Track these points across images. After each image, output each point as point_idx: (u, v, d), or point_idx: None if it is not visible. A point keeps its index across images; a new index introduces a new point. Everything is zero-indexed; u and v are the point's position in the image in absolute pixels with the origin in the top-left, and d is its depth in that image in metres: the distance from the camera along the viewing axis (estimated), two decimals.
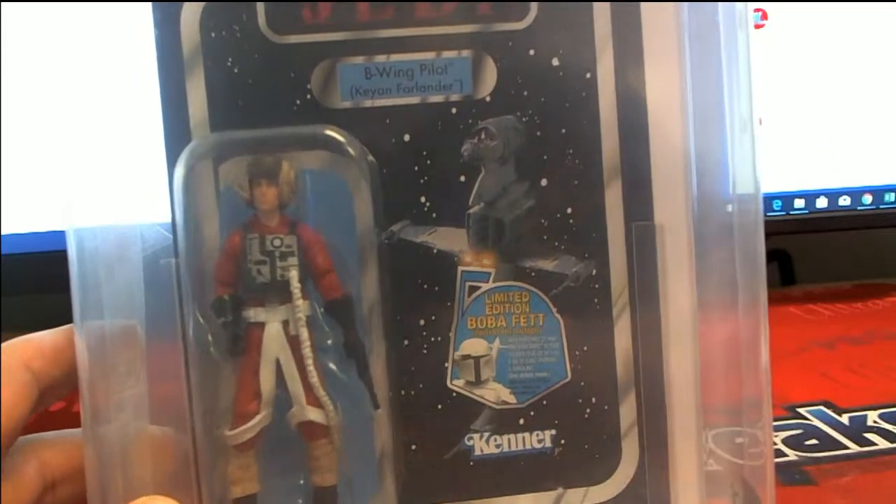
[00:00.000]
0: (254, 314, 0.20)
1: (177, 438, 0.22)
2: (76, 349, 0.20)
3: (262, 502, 0.21)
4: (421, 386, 0.24)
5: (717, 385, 0.25)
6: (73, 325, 0.20)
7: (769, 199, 0.47)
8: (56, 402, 0.22)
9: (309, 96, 0.23)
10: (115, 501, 0.20)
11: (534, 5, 0.23)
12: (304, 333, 0.20)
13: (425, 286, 0.24)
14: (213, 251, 0.21)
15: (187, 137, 0.22)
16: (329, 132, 0.23)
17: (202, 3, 0.22)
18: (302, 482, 0.21)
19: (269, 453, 0.21)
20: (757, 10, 0.43)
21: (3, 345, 0.20)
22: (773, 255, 0.56)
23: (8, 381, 0.19)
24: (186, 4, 0.22)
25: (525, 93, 0.24)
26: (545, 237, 0.24)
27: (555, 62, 0.24)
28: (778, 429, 0.33)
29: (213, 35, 0.22)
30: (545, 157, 0.24)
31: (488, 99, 0.23)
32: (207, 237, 0.21)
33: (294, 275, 0.20)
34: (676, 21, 0.24)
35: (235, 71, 0.23)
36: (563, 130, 0.24)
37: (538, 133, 0.24)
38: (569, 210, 0.24)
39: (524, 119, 0.24)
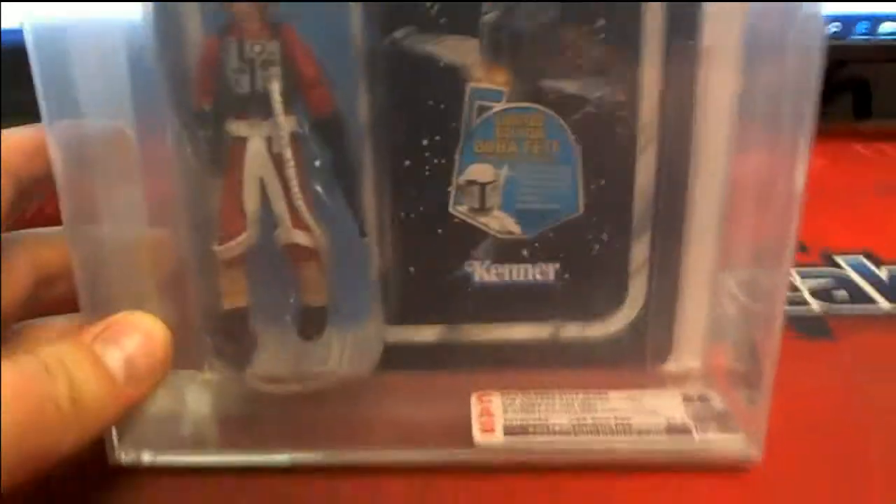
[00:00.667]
0: (235, 128, 0.19)
1: (174, 243, 0.22)
2: (49, 149, 0.19)
3: (251, 316, 0.21)
4: (421, 209, 0.22)
5: (740, 224, 0.24)
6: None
7: (852, 20, 0.41)
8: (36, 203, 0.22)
9: None
10: (103, 304, 0.20)
11: None
12: (288, 153, 0.18)
13: (429, 102, 0.21)
14: (195, 55, 0.19)
15: None
16: None
17: None
18: (292, 300, 0.21)
19: (258, 270, 0.21)
20: None
21: None
22: (849, 84, 0.51)
23: None
24: None
25: None
26: (569, 53, 0.21)
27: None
28: (807, 276, 0.32)
29: None
30: None
31: None
32: (189, 38, 0.19)
33: (275, 87, 0.18)
34: None
35: None
36: None
37: None
38: (600, 23, 0.21)
39: None
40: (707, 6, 0.21)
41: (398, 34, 0.21)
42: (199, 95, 0.19)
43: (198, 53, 0.19)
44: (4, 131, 0.19)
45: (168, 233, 0.22)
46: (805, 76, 0.21)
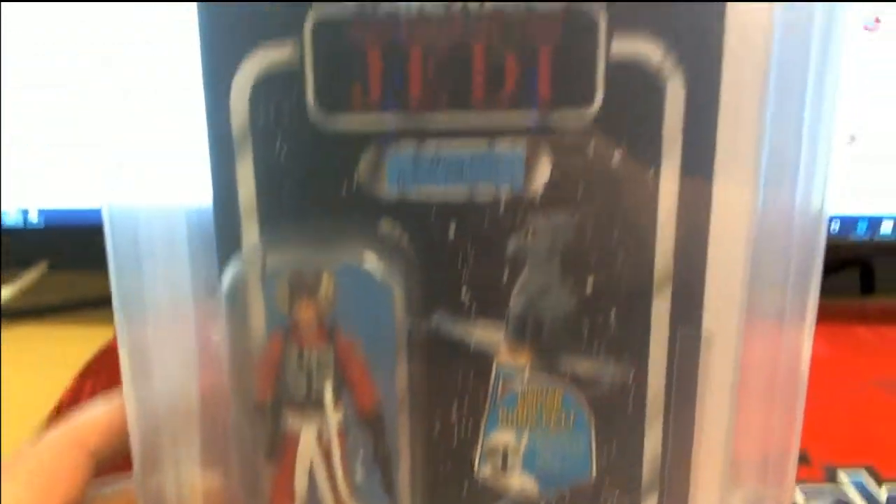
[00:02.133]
0: (291, 420, 0.21)
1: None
2: (129, 425, 0.22)
3: None
4: (448, 472, 0.25)
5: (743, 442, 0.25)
6: (125, 399, 0.22)
7: (854, 220, 0.43)
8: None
9: (355, 184, 0.22)
10: None
11: (599, 97, 0.21)
12: (335, 447, 0.21)
13: (459, 377, 0.24)
14: (258, 348, 0.22)
15: (236, 220, 0.23)
16: (373, 225, 0.22)
17: (250, 83, 0.22)
18: None
19: None
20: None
21: (60, 429, 0.21)
22: (853, 261, 0.53)
23: (67, 465, 0.21)
24: (235, 84, 0.22)
25: (580, 191, 0.22)
26: (585, 338, 0.24)
27: (615, 160, 0.22)
28: (810, 494, 0.33)
29: (261, 117, 0.22)
30: (594, 259, 0.23)
31: (539, 195, 0.22)
32: (254, 334, 0.22)
33: (328, 388, 0.20)
34: (756, 126, 0.22)
35: (283, 155, 0.22)
36: (616, 232, 0.23)
37: (589, 233, 0.23)
38: (613, 313, 0.23)
39: (575, 217, 0.22)
40: (708, 296, 0.23)
41: (434, 318, 0.24)
42: (261, 389, 0.21)
43: (262, 353, 0.21)
44: (81, 411, 0.22)
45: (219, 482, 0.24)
46: (805, 280, 0.23)
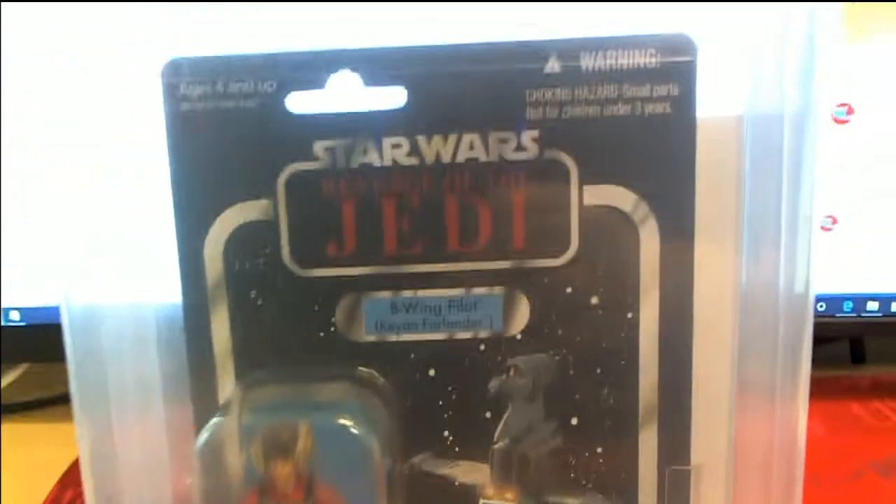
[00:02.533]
0: None
1: None
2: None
3: None
4: None
5: None
6: None
7: (840, 299, 0.44)
8: None
9: (333, 329, 0.22)
10: None
11: (574, 243, 0.21)
12: None
13: None
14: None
15: (211, 368, 0.22)
16: (352, 370, 0.22)
17: (225, 236, 0.22)
18: None
19: None
20: (842, 104, 0.38)
21: None
22: (843, 334, 0.53)
23: None
24: (210, 237, 0.22)
25: (559, 331, 0.22)
26: (572, 475, 0.23)
27: (593, 301, 0.22)
28: None
29: (236, 267, 0.22)
30: (577, 397, 0.23)
31: (519, 336, 0.22)
32: (229, 488, 0.22)
33: None
34: (733, 265, 0.22)
35: (259, 303, 0.22)
36: (598, 370, 0.22)
37: (571, 372, 0.22)
38: (599, 450, 0.23)
39: (556, 357, 0.22)
40: (696, 429, 0.23)
41: (416, 459, 0.23)
42: None
43: None
44: None
45: None
46: (794, 362, 0.23)
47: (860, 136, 0.39)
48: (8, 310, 0.48)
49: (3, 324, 0.48)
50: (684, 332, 0.22)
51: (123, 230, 0.22)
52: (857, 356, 0.53)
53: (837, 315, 0.43)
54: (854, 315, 0.43)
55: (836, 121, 0.39)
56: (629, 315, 0.22)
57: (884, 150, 0.39)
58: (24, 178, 0.45)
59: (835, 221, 0.42)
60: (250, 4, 0.21)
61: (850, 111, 0.39)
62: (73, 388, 0.22)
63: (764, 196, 0.22)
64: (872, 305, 0.43)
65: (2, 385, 0.54)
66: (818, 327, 0.23)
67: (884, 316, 0.43)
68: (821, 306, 0.43)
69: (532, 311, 0.22)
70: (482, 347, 0.22)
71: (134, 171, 0.22)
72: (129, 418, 0.23)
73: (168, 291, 0.23)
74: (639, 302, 0.22)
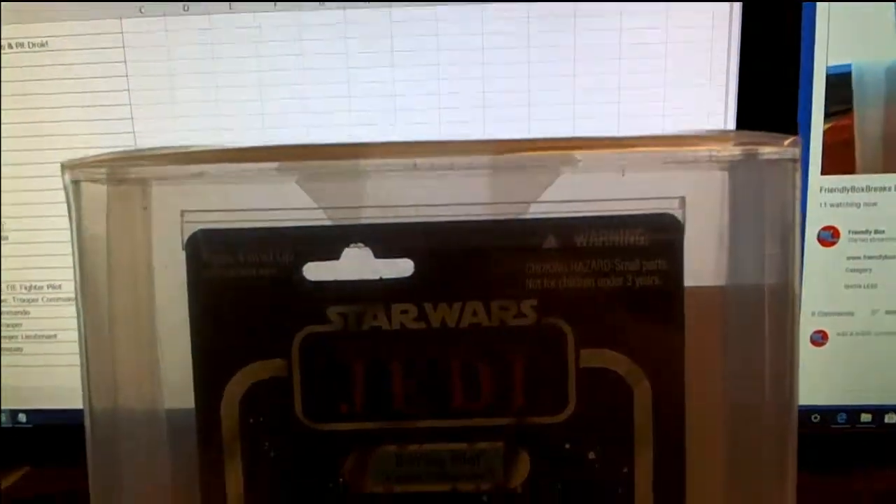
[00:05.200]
0: None
1: None
2: None
3: None
4: None
5: None
6: None
7: (833, 411, 0.44)
8: None
9: (341, 480, 0.23)
10: None
11: (571, 402, 0.23)
12: None
13: None
14: None
15: None
16: None
17: (241, 391, 0.23)
18: None
19: None
20: (827, 227, 0.40)
21: None
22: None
23: None
24: (227, 391, 0.23)
25: (559, 485, 0.23)
26: None
27: (591, 456, 0.23)
28: None
29: (251, 421, 0.23)
30: None
31: (520, 490, 0.23)
32: None
33: None
34: (723, 407, 0.23)
35: (271, 455, 0.23)
36: None
37: None
38: None
39: None
40: None
41: None
42: None
43: None
44: None
45: None
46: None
47: (846, 256, 0.41)
48: (15, 411, 0.49)
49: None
50: (678, 485, 0.23)
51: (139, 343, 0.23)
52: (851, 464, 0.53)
53: (832, 426, 0.44)
54: (847, 426, 0.44)
55: (823, 243, 0.41)
56: (625, 469, 0.23)
57: (871, 268, 0.41)
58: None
59: (826, 337, 0.43)
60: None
61: (837, 234, 0.41)
62: (93, 491, 0.23)
63: (747, 354, 0.23)
64: (866, 417, 0.44)
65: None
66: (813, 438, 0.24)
67: (878, 426, 0.44)
68: (815, 417, 0.44)
69: (532, 465, 0.23)
70: (484, 499, 0.23)
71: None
72: None
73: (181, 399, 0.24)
74: (634, 457, 0.23)
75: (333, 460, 0.23)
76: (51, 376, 0.47)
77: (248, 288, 0.23)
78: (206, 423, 0.23)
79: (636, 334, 0.22)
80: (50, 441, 0.49)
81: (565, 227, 0.22)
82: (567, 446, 0.23)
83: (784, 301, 0.22)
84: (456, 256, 0.22)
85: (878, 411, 0.43)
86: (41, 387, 0.48)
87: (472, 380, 0.23)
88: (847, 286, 0.42)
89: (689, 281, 0.23)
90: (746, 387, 0.23)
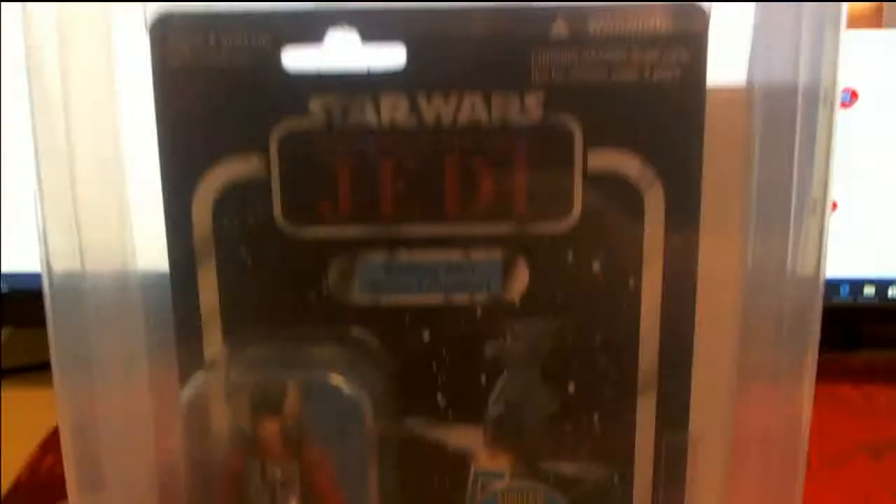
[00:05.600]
0: None
1: None
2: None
3: None
4: None
5: None
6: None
7: (836, 283, 0.43)
8: None
9: (325, 290, 0.22)
10: None
11: (577, 208, 0.21)
12: None
13: (435, 481, 0.23)
14: (219, 464, 0.21)
15: (197, 328, 0.22)
16: (343, 332, 0.22)
17: (214, 193, 0.21)
18: None
19: None
20: (846, 89, 0.38)
21: None
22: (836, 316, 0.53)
23: None
24: (198, 193, 0.21)
25: (558, 298, 0.22)
26: (567, 442, 0.23)
27: (595, 268, 0.21)
28: None
29: (226, 225, 0.21)
30: (574, 364, 0.22)
31: (517, 301, 0.22)
32: (214, 446, 0.21)
33: None
34: (740, 238, 0.21)
35: (249, 262, 0.22)
36: (598, 338, 0.22)
37: (569, 339, 0.22)
38: (595, 417, 0.23)
39: (555, 324, 0.22)
40: (695, 397, 0.23)
41: (408, 423, 0.23)
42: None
43: (223, 469, 0.20)
44: None
45: None
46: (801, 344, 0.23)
47: (863, 120, 0.39)
48: None
49: None
50: (687, 302, 0.22)
51: (110, 194, 0.21)
52: (853, 340, 0.53)
53: (834, 300, 0.43)
54: (851, 299, 0.43)
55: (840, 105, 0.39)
56: (631, 283, 0.22)
57: (887, 135, 0.39)
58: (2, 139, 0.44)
59: (834, 207, 0.41)
60: None
61: (855, 96, 0.38)
62: (54, 355, 0.21)
63: (774, 171, 0.21)
64: (869, 290, 0.43)
65: None
66: None
67: (880, 301, 0.43)
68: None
69: (531, 277, 0.22)
70: (479, 311, 0.22)
71: (122, 131, 0.21)
72: (113, 385, 0.23)
73: (156, 260, 0.22)
74: (641, 270, 0.21)
75: (316, 269, 0.21)
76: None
77: (219, 77, 0.20)
78: (175, 230, 0.21)
79: (651, 134, 0.20)
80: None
81: (577, 12, 0.20)
82: (570, 257, 0.21)
83: (819, 103, 0.20)
84: (454, 43, 0.20)
85: (883, 284, 0.42)
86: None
87: (469, 182, 0.21)
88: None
89: (711, 80, 0.21)
90: (770, 199, 0.21)
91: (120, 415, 0.23)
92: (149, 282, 0.22)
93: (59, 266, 0.21)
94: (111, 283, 0.22)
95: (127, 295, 0.22)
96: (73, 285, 0.21)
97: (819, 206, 0.21)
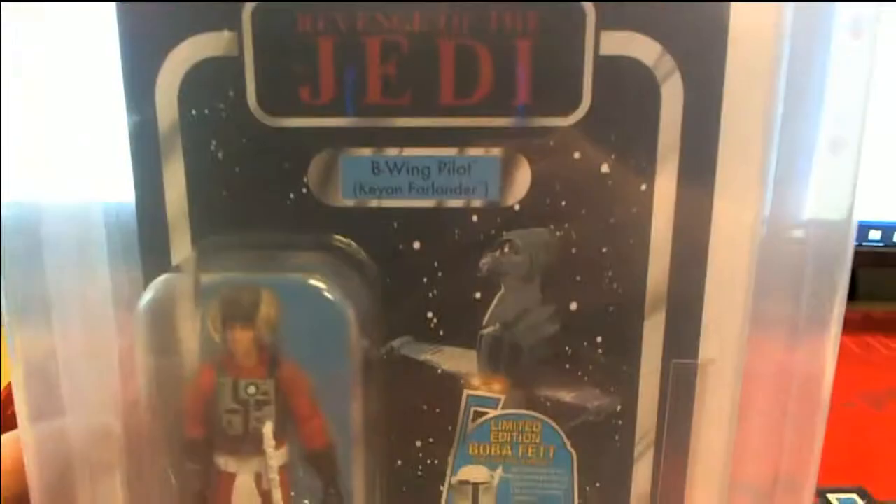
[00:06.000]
0: (224, 463, 0.18)
1: None
2: (25, 453, 0.18)
3: None
4: None
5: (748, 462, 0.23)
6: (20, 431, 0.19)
7: None
8: None
9: (304, 190, 0.19)
10: None
11: (586, 100, 0.19)
12: (277, 494, 0.18)
13: (425, 407, 0.21)
14: (187, 378, 0.19)
15: (164, 232, 0.20)
16: (326, 238, 0.20)
17: (180, 75, 0.18)
18: None
19: None
20: None
21: None
22: None
23: None
24: (162, 75, 0.18)
25: (563, 202, 0.20)
26: (567, 366, 0.21)
27: (604, 169, 0.19)
28: None
29: (193, 113, 0.19)
30: (578, 279, 0.20)
31: (517, 207, 0.20)
32: (181, 359, 0.19)
33: (268, 429, 0.18)
34: (763, 129, 0.19)
35: (219, 156, 0.19)
36: (604, 250, 0.20)
37: (573, 250, 0.20)
38: (598, 339, 0.21)
39: (558, 233, 0.20)
40: (705, 326, 0.21)
41: (396, 343, 0.21)
42: (190, 425, 0.18)
43: (191, 384, 0.18)
44: None
45: None
46: (830, 290, 0.21)
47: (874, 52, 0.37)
48: None
49: None
50: (703, 212, 0.20)
51: (69, 118, 0.19)
52: (849, 291, 0.51)
53: None
54: (856, 244, 0.41)
55: None
56: (643, 187, 0.19)
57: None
58: None
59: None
60: None
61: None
62: (5, 295, 0.19)
63: (800, 102, 0.19)
64: (875, 234, 0.41)
65: None
66: None
67: (885, 246, 0.41)
68: None
69: (533, 178, 0.19)
70: (475, 218, 0.20)
71: (78, 36, 0.19)
72: (72, 327, 0.20)
73: (121, 191, 0.20)
74: (655, 172, 0.19)
75: (295, 165, 0.19)
76: None
77: None
78: (138, 118, 0.19)
79: (671, 17, 0.18)
80: None
81: None
82: (576, 155, 0.19)
83: (859, 35, 0.18)
84: None
85: (889, 229, 0.41)
86: None
87: (467, 68, 0.18)
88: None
89: None
90: (793, 132, 0.19)
91: (80, 359, 0.20)
92: (113, 214, 0.20)
93: (11, 196, 0.19)
94: (71, 214, 0.20)
95: (89, 228, 0.20)
96: (28, 217, 0.19)
97: (850, 146, 0.19)
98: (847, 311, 0.53)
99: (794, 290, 0.21)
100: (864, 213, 0.40)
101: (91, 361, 0.20)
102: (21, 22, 0.18)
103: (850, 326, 0.45)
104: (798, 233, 0.21)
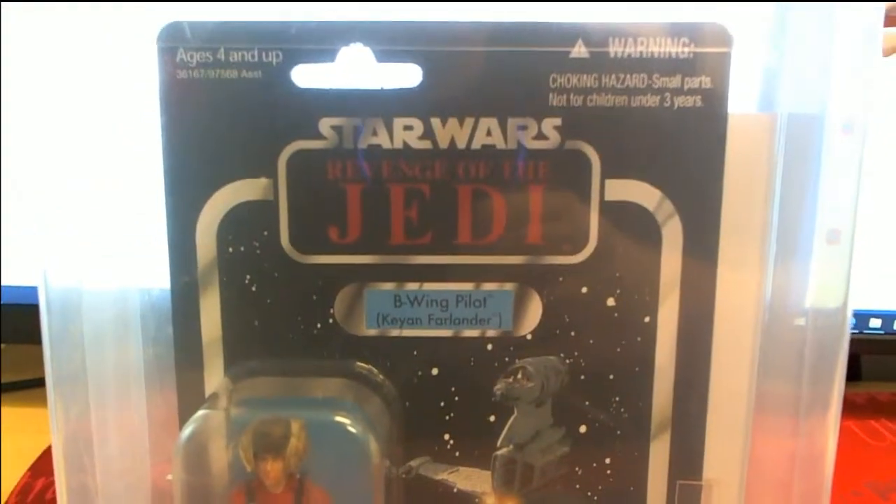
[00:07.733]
0: None
1: None
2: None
3: None
4: None
5: None
6: None
7: None
8: None
9: (331, 320, 0.21)
10: None
11: (593, 239, 0.20)
12: None
13: None
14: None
15: (198, 356, 0.21)
16: (350, 365, 0.21)
17: (219, 216, 0.20)
18: None
19: None
20: None
21: None
22: None
23: None
24: (203, 215, 0.20)
25: (572, 333, 0.21)
26: (577, 486, 0.22)
27: (609, 302, 0.21)
28: None
29: (230, 250, 0.20)
30: (587, 403, 0.21)
31: (529, 337, 0.21)
32: (213, 485, 0.20)
33: None
34: (758, 272, 0.21)
35: (253, 289, 0.21)
36: (611, 376, 0.21)
37: (582, 377, 0.21)
38: (607, 461, 0.22)
39: (568, 361, 0.21)
40: (710, 443, 0.22)
41: (414, 462, 0.22)
42: None
43: None
44: None
45: None
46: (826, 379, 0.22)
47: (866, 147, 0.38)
48: None
49: None
50: (703, 340, 0.21)
51: (111, 208, 0.21)
52: (853, 373, 0.52)
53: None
54: (855, 332, 0.42)
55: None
56: (646, 319, 0.21)
57: (890, 163, 0.39)
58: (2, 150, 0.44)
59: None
60: None
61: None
62: (49, 372, 0.21)
63: (796, 200, 0.21)
64: (875, 322, 0.42)
65: None
66: None
67: (885, 334, 0.42)
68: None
69: (544, 311, 0.21)
70: (489, 347, 0.21)
71: (125, 144, 0.21)
72: (108, 406, 0.22)
73: (156, 277, 0.21)
74: (657, 305, 0.21)
75: (323, 298, 0.21)
76: None
77: (228, 92, 0.19)
78: (178, 253, 0.21)
79: (671, 164, 0.20)
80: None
81: (598, 33, 0.19)
82: (584, 290, 0.21)
83: (850, 132, 0.20)
84: (471, 63, 0.19)
85: (889, 317, 0.41)
86: None
87: (483, 210, 0.20)
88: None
89: (733, 107, 0.20)
90: (791, 229, 0.21)
91: (115, 436, 0.22)
92: (149, 299, 0.22)
93: (57, 282, 0.21)
94: (110, 299, 0.21)
95: (125, 313, 0.21)
96: (71, 301, 0.21)
97: (844, 237, 0.21)
98: (853, 393, 0.53)
99: (794, 378, 0.22)
100: (863, 302, 0.41)
101: (122, 442, 0.21)
102: (70, 121, 0.20)
103: (855, 410, 0.46)
104: (799, 321, 0.22)
